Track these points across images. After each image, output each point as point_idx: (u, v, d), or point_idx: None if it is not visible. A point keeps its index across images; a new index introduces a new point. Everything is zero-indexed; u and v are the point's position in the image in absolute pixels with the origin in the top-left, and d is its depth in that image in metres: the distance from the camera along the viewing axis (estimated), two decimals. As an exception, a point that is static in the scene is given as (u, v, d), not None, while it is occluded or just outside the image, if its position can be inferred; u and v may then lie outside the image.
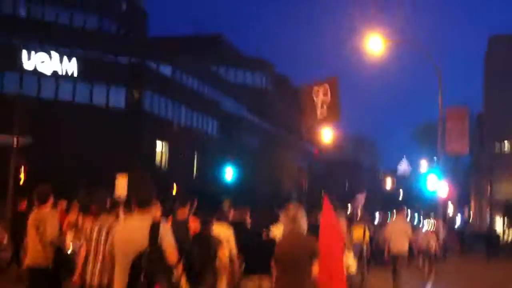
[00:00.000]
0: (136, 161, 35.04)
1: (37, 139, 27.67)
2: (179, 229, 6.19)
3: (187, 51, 47.18)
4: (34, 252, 7.20)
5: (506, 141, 52.73)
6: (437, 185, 26.47)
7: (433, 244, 20.11)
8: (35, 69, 35.31)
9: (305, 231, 6.15)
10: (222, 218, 8.08)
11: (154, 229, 4.76)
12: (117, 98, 37.09)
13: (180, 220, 6.93)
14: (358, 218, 15.59)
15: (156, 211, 6.12)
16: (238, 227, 8.08)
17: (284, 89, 66.22)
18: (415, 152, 55.30)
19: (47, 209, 7.38)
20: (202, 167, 43.13)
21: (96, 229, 6.56)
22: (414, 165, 73.91)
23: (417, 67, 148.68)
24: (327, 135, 44.71)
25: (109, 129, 34.45)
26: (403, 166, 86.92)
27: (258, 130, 55.58)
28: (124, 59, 39.16)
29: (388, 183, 79.56)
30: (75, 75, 36.22)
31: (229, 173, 34.30)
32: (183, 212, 7.10)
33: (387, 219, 25.43)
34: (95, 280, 6.36)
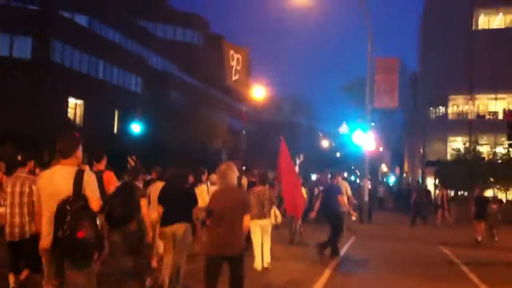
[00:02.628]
0: (44, 117, 32.03)
1: None
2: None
3: (110, 2, 43.56)
4: None
5: (440, 106, 51.97)
6: (363, 139, 24.98)
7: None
8: None
9: (235, 185, 6.78)
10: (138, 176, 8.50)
11: (78, 177, 4.95)
12: (23, 49, 33.36)
13: (96, 172, 7.34)
14: None
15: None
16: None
17: (217, 48, 63.56)
18: (350, 109, 53.81)
19: None
20: (124, 125, 40.24)
21: (17, 183, 7.03)
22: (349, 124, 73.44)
23: (350, 21, 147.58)
24: (258, 92, 42.55)
25: (13, 82, 31.05)
26: (343, 129, 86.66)
27: (187, 88, 52.76)
28: (33, 7, 35.20)
29: (325, 144, 78.67)
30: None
31: (136, 129, 31.86)
32: (100, 167, 8.01)
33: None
34: (17, 231, 6.92)
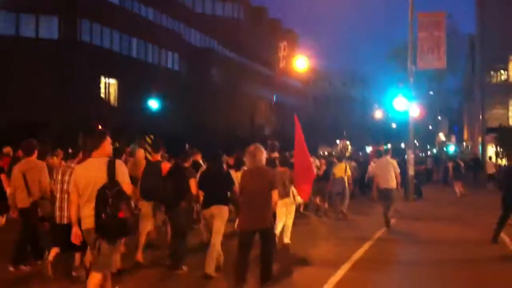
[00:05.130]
0: (76, 98, 31.17)
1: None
2: (154, 169, 8.56)
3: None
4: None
5: (501, 69, 47.85)
6: (406, 105, 22.48)
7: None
8: None
9: (263, 165, 7.23)
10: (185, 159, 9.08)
11: (110, 166, 5.62)
12: (49, 29, 32.43)
13: (154, 162, 8.87)
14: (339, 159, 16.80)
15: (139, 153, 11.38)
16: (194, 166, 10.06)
17: (260, 22, 61.59)
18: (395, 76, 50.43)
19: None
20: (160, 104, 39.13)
21: (67, 171, 7.59)
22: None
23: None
24: (301, 64, 40.42)
25: (41, 64, 30.21)
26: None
27: (228, 64, 51.03)
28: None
29: (379, 115, 75.57)
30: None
31: (153, 105, 30.93)
32: (157, 156, 8.96)
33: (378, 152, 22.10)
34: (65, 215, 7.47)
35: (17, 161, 9.31)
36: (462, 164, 27.69)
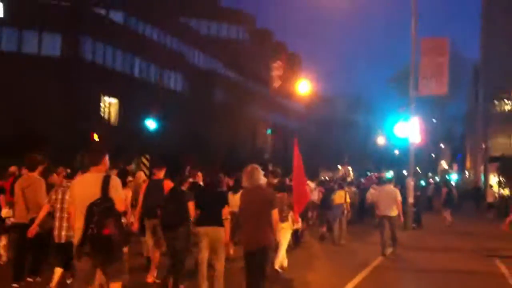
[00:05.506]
0: (76, 116, 30.99)
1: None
2: (156, 186, 9.09)
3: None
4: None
5: (505, 99, 47.49)
6: (407, 130, 22.18)
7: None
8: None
9: (261, 184, 7.12)
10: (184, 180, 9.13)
11: (105, 182, 5.68)
12: (52, 46, 32.40)
13: (156, 180, 9.46)
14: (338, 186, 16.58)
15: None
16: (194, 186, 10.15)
17: (264, 44, 61.77)
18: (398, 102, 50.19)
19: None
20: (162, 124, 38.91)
21: (66, 191, 7.70)
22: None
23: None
24: (303, 88, 40.37)
25: (42, 80, 30.09)
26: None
27: (232, 86, 50.98)
28: (65, 3, 34.17)
29: (381, 142, 75.26)
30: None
31: (151, 125, 30.54)
32: (159, 174, 9.49)
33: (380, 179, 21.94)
34: (64, 234, 7.63)
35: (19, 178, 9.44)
36: (454, 191, 27.10)
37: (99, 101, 35.21)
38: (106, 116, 36.11)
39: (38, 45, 32.05)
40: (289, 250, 10.73)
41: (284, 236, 10.27)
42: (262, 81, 57.25)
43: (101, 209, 5.45)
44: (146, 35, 40.65)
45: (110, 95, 36.05)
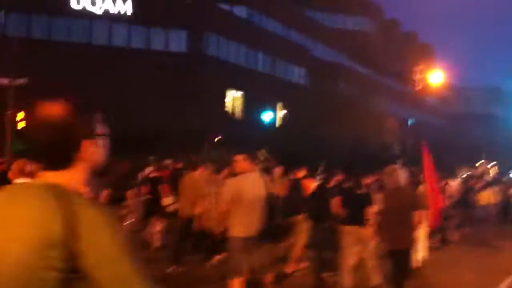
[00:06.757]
0: (203, 110, 31.36)
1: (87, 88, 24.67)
2: (297, 185, 9.43)
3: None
4: None
5: None
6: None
7: None
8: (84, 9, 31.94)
9: (402, 184, 7.27)
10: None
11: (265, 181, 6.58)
12: (178, 43, 33.13)
13: (296, 179, 9.71)
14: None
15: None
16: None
17: (392, 35, 59.18)
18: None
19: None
20: (288, 119, 38.45)
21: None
22: None
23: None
24: (437, 80, 37.88)
25: (169, 76, 30.78)
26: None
27: (359, 79, 49.20)
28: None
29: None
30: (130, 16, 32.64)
31: (267, 117, 30.10)
32: (299, 175, 9.78)
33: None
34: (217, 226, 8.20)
35: (178, 173, 10.81)
36: None
37: (224, 95, 35.49)
38: (230, 110, 36.36)
39: (165, 42, 32.83)
40: (433, 249, 10.72)
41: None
42: (390, 73, 54.81)
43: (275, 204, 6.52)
44: (269, 30, 40.37)
45: (234, 89, 36.22)
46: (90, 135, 1.77)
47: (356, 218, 7.98)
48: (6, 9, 30.13)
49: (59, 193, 1.64)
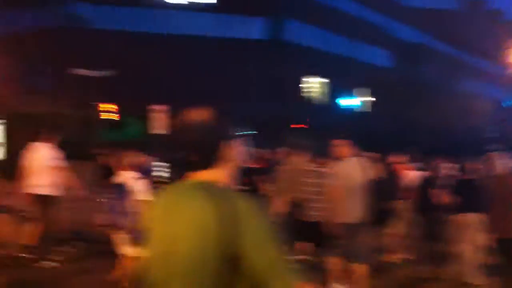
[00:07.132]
0: (285, 98, 30.86)
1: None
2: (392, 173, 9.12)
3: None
4: None
5: None
6: None
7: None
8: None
9: (502, 171, 6.96)
10: None
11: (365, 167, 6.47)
12: (257, 30, 32.59)
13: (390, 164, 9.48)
14: None
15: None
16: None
17: (477, 13, 56.11)
18: None
19: None
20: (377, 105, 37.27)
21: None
22: None
23: None
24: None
25: (250, 64, 30.31)
26: None
27: (446, 60, 47.04)
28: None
29: None
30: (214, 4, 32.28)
31: (351, 102, 28.53)
32: (396, 159, 9.41)
33: None
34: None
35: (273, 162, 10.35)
36: None
37: (306, 82, 34.80)
38: (312, 96, 35.66)
39: (245, 29, 32.36)
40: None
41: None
42: (477, 52, 52.04)
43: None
44: (350, 12, 39.10)
45: (316, 75, 35.41)
46: (232, 136, 2.00)
47: (472, 205, 7.56)
48: (93, 2, 30.49)
49: (215, 189, 1.88)
